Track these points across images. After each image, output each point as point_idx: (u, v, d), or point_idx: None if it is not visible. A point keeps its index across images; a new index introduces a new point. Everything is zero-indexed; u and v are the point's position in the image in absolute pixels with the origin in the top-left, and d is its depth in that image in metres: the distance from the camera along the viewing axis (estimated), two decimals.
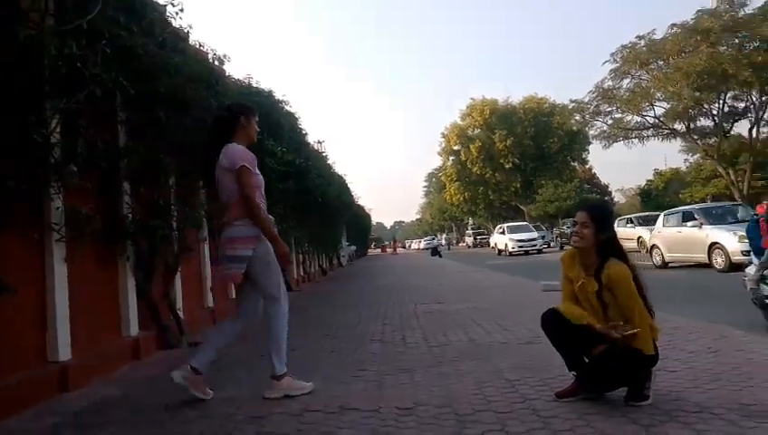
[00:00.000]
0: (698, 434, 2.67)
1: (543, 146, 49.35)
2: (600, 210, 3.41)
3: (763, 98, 26.61)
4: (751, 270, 6.13)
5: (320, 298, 11.76)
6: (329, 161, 15.73)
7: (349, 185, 21.77)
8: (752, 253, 6.50)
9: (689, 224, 13.89)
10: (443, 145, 55.63)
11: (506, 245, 29.88)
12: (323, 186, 12.48)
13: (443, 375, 4.11)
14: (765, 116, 27.75)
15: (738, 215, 14.05)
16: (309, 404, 3.57)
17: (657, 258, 15.38)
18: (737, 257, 11.72)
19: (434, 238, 69.71)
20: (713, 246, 12.92)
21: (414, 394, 3.65)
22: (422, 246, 64.41)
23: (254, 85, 9.17)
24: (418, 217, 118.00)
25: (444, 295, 9.94)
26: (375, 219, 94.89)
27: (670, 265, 14.86)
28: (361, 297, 10.86)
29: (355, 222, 29.70)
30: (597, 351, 3.23)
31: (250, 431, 3.16)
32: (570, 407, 3.19)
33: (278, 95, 9.45)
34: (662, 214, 16.51)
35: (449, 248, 57.12)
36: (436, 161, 71.32)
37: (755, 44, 24.52)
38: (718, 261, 12.78)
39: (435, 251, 35.78)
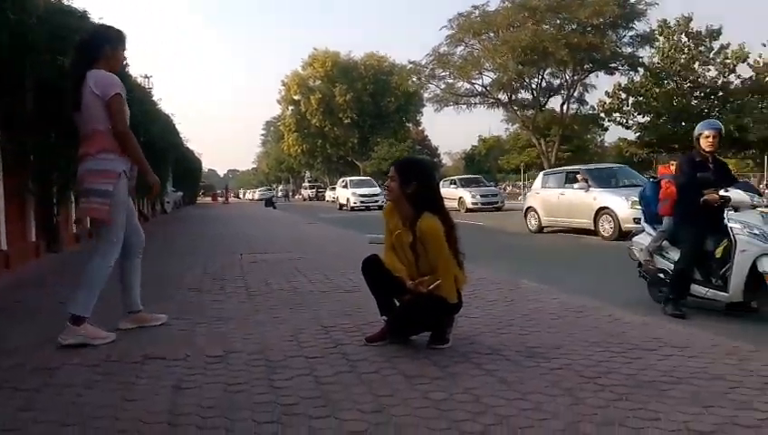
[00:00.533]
0: (487, 373, 2.92)
1: (381, 104, 50.45)
2: (406, 165, 3.55)
3: (575, 77, 29.59)
4: (641, 239, 5.62)
5: None
6: (153, 98, 14.55)
7: (177, 126, 20.45)
8: (643, 220, 5.78)
9: (576, 186, 12.69)
10: (283, 93, 54.45)
11: (348, 199, 29.42)
12: (146, 123, 11.52)
13: (259, 323, 4.07)
14: (575, 94, 30.98)
15: (625, 179, 13.22)
16: (109, 354, 3.32)
17: (533, 222, 14.07)
18: (628, 225, 10.73)
19: (269, 189, 68.64)
20: (600, 212, 11.90)
21: (226, 342, 3.56)
22: (257, 196, 63.11)
23: (66, 2, 8.07)
24: (255, 166, 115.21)
25: (272, 246, 9.84)
26: (207, 166, 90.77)
27: (546, 229, 13.77)
28: (183, 246, 10.36)
29: (183, 167, 28.07)
30: (406, 298, 3.39)
31: (36, 383, 2.85)
32: (378, 350, 3.33)
33: (94, 18, 8.43)
34: (541, 173, 15.33)
35: (288, 200, 56.74)
36: (276, 110, 69.79)
37: (573, 27, 27.03)
38: (605, 228, 11.78)
39: (269, 202, 35.26)
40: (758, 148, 33.26)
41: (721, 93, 30.24)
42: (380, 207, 28.41)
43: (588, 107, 33.36)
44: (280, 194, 59.94)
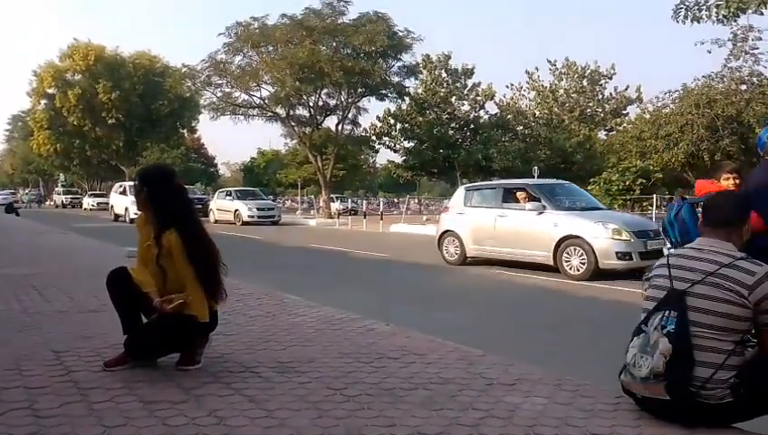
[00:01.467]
0: (236, 392, 2.83)
1: (152, 107, 47.14)
2: (149, 173, 3.36)
3: (350, 99, 31.00)
4: None
5: None
6: None
7: None
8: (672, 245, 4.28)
9: (528, 206, 9.64)
10: (34, 85, 47.76)
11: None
12: None
13: None
14: (349, 115, 32.44)
15: (581, 199, 10.52)
16: None
17: (452, 250, 10.63)
18: (608, 261, 8.63)
19: (13, 193, 59.50)
20: (564, 242, 8.95)
21: None
22: None
23: None
24: None
25: (6, 258, 8.49)
26: None
27: (470, 260, 10.47)
28: None
29: None
30: (153, 317, 3.15)
31: None
32: (117, 376, 3.03)
33: None
34: (462, 188, 11.79)
35: (39, 206, 49.74)
36: (24, 102, 61.00)
37: (348, 51, 28.34)
38: (574, 264, 8.84)
39: (11, 208, 30.54)
40: (500, 175, 38.41)
41: (472, 126, 34.29)
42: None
43: (361, 129, 35.25)
44: (27, 199, 52.39)
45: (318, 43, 27.62)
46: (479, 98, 34.41)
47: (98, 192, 48.34)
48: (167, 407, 2.60)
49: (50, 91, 46.82)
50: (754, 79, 22.53)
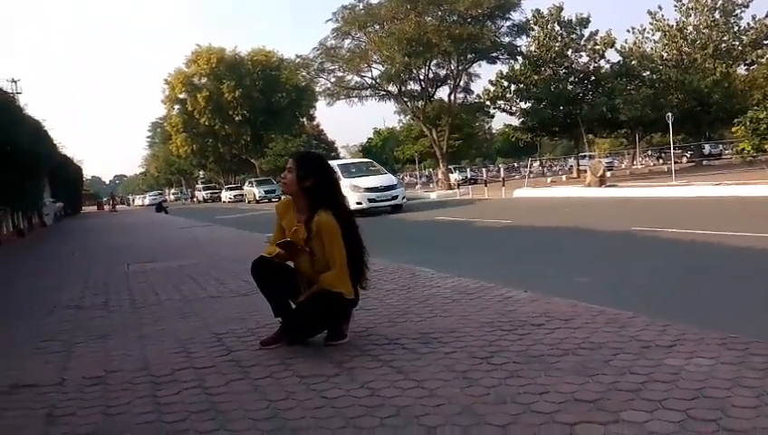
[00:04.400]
0: (384, 364, 2.90)
1: (272, 100, 49.45)
2: (305, 157, 3.48)
3: (460, 67, 30.50)
4: None
5: (9, 264, 10.08)
6: (18, 103, 13.34)
7: (49, 132, 18.93)
8: None
9: None
10: (167, 93, 51.91)
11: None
12: (11, 131, 10.55)
13: (143, 337, 3.81)
14: (461, 83, 31.93)
15: None
16: None
17: None
18: None
19: (160, 193, 65.48)
20: None
21: (106, 361, 3.30)
22: (147, 201, 59.98)
23: None
24: (143, 170, 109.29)
25: (162, 253, 9.35)
26: (91, 173, 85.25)
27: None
28: (62, 261, 9.61)
29: (61, 175, 26.11)
30: (300, 298, 3.30)
31: None
32: (273, 354, 3.21)
33: None
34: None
35: (183, 203, 54.41)
36: (160, 110, 66.51)
37: (454, 18, 27.81)
38: None
39: (160, 207, 33.62)
40: (628, 127, 36.00)
41: (593, 78, 32.30)
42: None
43: (474, 96, 34.55)
44: (172, 198, 57.35)
45: (423, 15, 27.38)
46: (598, 47, 32.28)
47: (233, 185, 51.72)
48: (322, 380, 2.72)
49: (181, 96, 50.65)
50: None
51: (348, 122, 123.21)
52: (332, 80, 31.91)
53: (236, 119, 48.27)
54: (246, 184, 42.14)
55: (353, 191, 15.77)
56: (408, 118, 44.37)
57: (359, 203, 15.70)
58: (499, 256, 7.81)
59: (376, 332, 3.52)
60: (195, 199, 58.35)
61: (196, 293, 5.38)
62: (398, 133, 57.51)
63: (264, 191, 35.77)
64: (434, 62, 30.39)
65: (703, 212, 10.80)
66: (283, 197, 3.70)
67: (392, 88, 31.83)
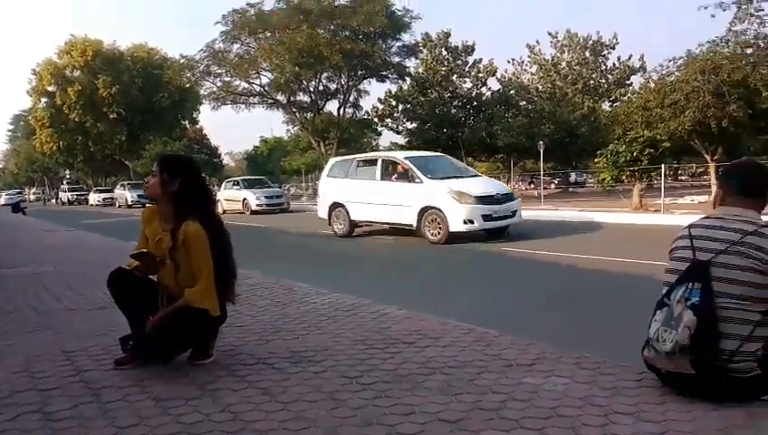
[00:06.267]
0: (250, 385, 2.78)
1: (153, 100, 46.93)
2: (170, 160, 3.30)
3: (350, 82, 30.77)
4: None
5: None
6: None
7: None
8: None
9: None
10: (34, 84, 47.65)
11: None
12: None
13: None
14: (350, 98, 32.22)
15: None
16: None
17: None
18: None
19: (19, 193, 59.72)
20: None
21: None
22: (2, 201, 54.47)
23: None
24: (1, 166, 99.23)
25: (14, 259, 8.47)
26: None
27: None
28: None
29: None
30: (160, 314, 3.08)
31: None
32: (128, 374, 2.98)
33: None
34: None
35: (45, 205, 49.93)
36: (25, 102, 60.93)
37: (346, 33, 28.06)
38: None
39: (17, 208, 30.59)
40: (505, 152, 38.08)
41: (475, 104, 33.94)
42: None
43: (363, 112, 35.01)
44: (33, 198, 52.56)
45: (316, 27, 27.34)
46: (481, 75, 34.05)
47: (103, 188, 48.37)
48: (181, 403, 2.55)
49: (50, 88, 46.70)
50: (760, 42, 22.07)
51: (233, 129, 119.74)
52: (219, 84, 30.93)
53: (111, 117, 45.23)
54: (118, 187, 39.85)
55: (457, 202, 10.38)
56: (296, 128, 44.00)
57: (469, 222, 10.31)
58: (377, 269, 7.88)
59: (245, 350, 3.38)
60: (59, 201, 53.87)
61: (49, 304, 4.91)
62: (286, 143, 56.90)
63: (138, 196, 33.18)
64: (325, 75, 30.41)
65: (565, 234, 11.56)
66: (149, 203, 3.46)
67: (281, 97, 31.43)
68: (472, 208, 10.39)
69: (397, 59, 30.47)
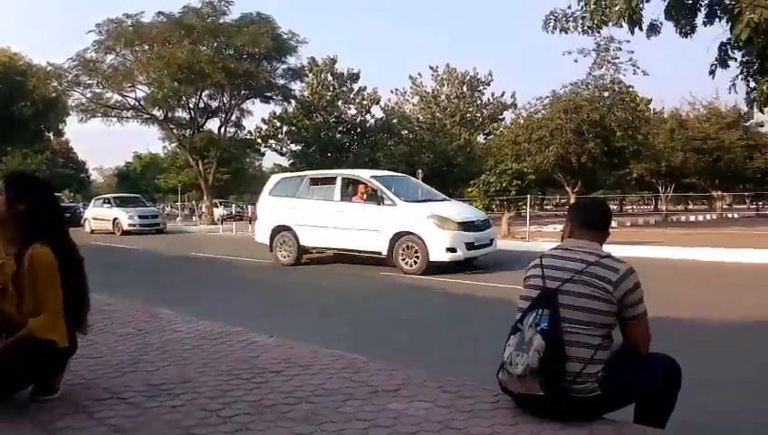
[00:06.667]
0: (100, 422, 2.58)
1: (13, 108, 42.94)
2: (17, 178, 3.02)
3: (233, 101, 30.14)
4: None
5: None
6: None
7: None
8: None
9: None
10: None
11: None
12: None
13: None
14: (232, 117, 31.54)
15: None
16: None
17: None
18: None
19: None
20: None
21: None
22: None
23: None
24: None
25: None
26: None
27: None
28: None
29: None
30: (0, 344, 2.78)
31: None
32: None
33: None
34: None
35: None
36: None
37: (230, 52, 27.54)
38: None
39: None
40: None
41: (360, 130, 34.59)
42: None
43: (245, 131, 34.41)
44: None
45: (198, 43, 26.63)
46: (365, 102, 34.85)
47: None
48: None
49: None
50: (615, 86, 24.59)
51: (104, 143, 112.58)
52: (89, 95, 29.03)
53: None
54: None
55: (439, 227, 9.56)
56: (173, 145, 42.23)
57: (451, 250, 9.52)
58: (255, 299, 7.69)
59: (98, 384, 3.14)
60: None
61: None
62: (162, 160, 54.37)
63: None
64: (206, 92, 29.57)
65: None
66: None
67: (158, 112, 30.08)
68: (455, 235, 9.51)
69: (282, 81, 30.41)
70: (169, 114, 30.46)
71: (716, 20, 12.93)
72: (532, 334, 2.51)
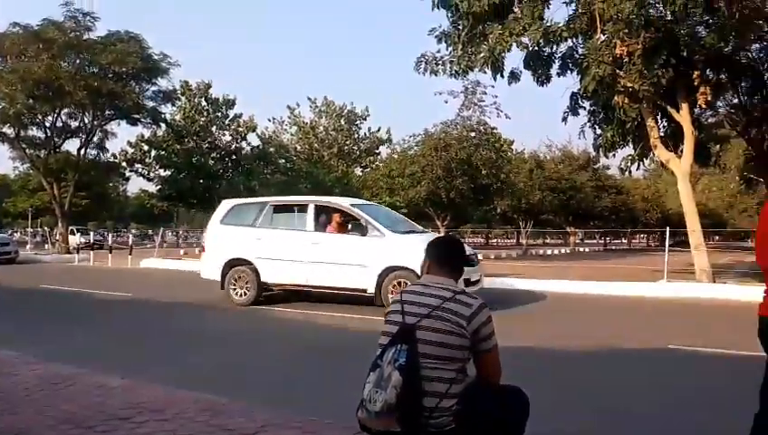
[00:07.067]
0: None
1: None
2: None
3: (95, 122, 28.20)
4: None
5: None
6: None
7: None
8: None
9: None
10: None
11: None
12: None
13: None
14: (95, 139, 29.45)
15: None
16: None
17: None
18: None
19: None
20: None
21: None
22: None
23: None
24: None
25: None
26: None
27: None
28: None
29: None
30: None
31: None
32: None
33: None
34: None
35: None
36: None
37: (94, 70, 25.85)
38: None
39: None
40: None
41: (234, 157, 33.74)
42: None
43: (109, 154, 32.28)
44: None
45: (58, 59, 24.73)
46: (241, 129, 34.14)
47: None
48: None
49: None
50: (481, 127, 26.19)
51: None
52: None
53: None
54: None
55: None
56: (25, 166, 38.59)
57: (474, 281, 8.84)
58: (107, 334, 7.13)
59: None
60: None
61: None
62: (12, 182, 49.45)
63: None
64: (65, 110, 27.44)
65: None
66: None
67: (8, 130, 27.40)
68: (472, 271, 8.50)
69: (152, 103, 28.97)
70: (22, 133, 27.87)
71: (568, 72, 14.38)
72: (391, 370, 2.55)
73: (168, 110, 31.09)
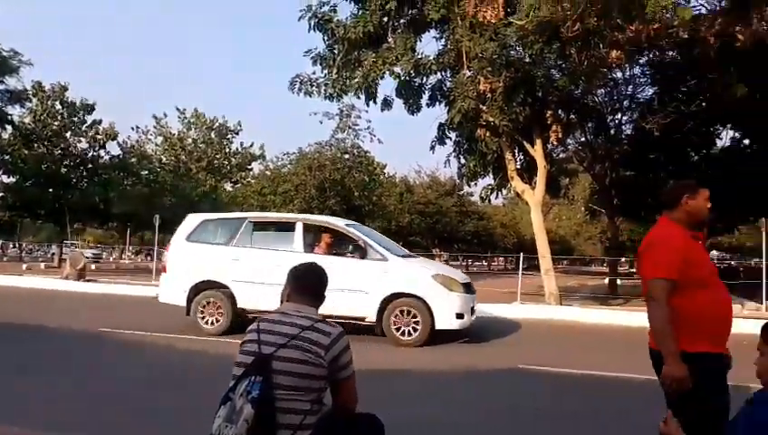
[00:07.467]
0: None
1: None
2: None
3: None
4: None
5: None
6: None
7: None
8: None
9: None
10: None
11: None
12: None
13: None
14: None
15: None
16: None
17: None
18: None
19: None
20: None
21: None
22: None
23: None
24: None
25: None
26: None
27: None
28: None
29: None
30: None
31: None
32: None
33: None
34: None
35: None
36: None
37: None
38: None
39: None
40: (121, 221, 35.90)
41: (91, 166, 31.32)
42: None
43: None
44: None
45: None
46: (99, 136, 31.83)
47: None
48: None
49: None
50: (355, 150, 26.60)
51: None
52: None
53: None
54: None
55: (446, 289, 8.14)
56: None
57: (459, 316, 8.10)
58: None
59: None
60: None
61: None
62: None
63: None
64: None
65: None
66: None
67: None
68: (464, 299, 8.19)
69: None
70: None
71: (437, 103, 15.11)
72: (243, 403, 2.46)
73: (16, 111, 28.34)
